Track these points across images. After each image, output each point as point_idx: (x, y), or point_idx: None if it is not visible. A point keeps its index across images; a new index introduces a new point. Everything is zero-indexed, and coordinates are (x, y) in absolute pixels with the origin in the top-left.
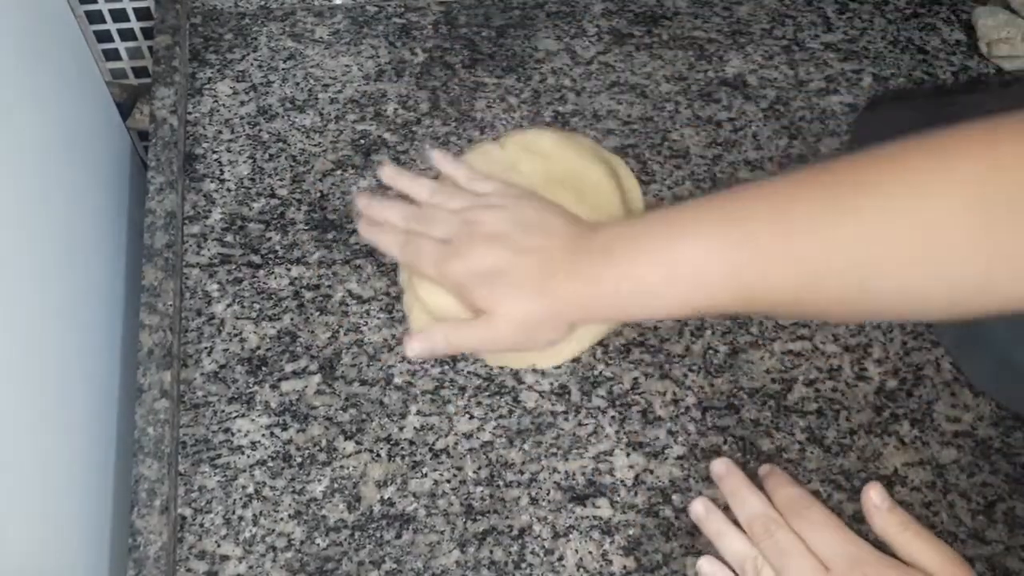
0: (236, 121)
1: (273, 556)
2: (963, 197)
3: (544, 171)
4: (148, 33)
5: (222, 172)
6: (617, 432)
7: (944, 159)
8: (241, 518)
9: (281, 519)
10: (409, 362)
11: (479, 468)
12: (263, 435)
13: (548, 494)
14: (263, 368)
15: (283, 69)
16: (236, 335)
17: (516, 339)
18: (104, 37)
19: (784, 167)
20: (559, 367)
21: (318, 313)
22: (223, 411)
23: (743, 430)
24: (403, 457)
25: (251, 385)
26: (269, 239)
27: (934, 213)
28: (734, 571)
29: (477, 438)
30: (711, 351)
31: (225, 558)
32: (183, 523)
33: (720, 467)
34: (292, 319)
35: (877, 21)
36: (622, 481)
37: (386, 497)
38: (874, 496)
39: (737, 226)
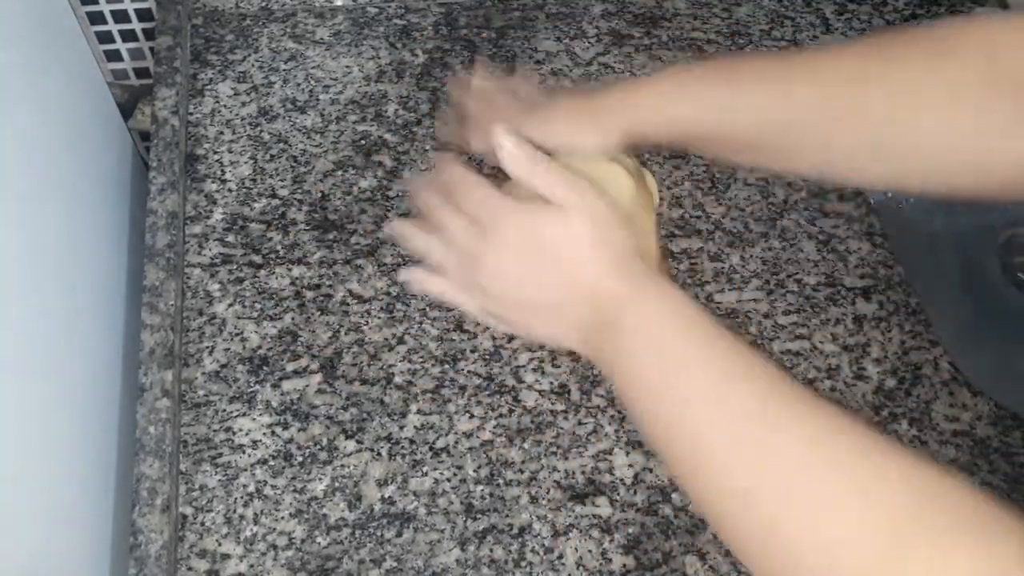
0: (237, 122)
1: (274, 555)
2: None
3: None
4: (149, 34)
5: (223, 172)
6: (617, 431)
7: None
8: (242, 517)
9: (282, 518)
10: (410, 361)
11: (479, 467)
12: (264, 434)
13: (548, 493)
14: (264, 367)
15: (284, 70)
16: (237, 334)
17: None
18: (106, 38)
19: None
20: (559, 367)
21: (319, 313)
22: (224, 410)
23: None
24: (403, 456)
25: (252, 384)
26: (270, 239)
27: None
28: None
29: (477, 437)
30: None
31: (226, 556)
32: (184, 522)
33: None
34: (293, 319)
35: (876, 22)
36: (621, 480)
37: (387, 496)
38: (501, 140)
39: None
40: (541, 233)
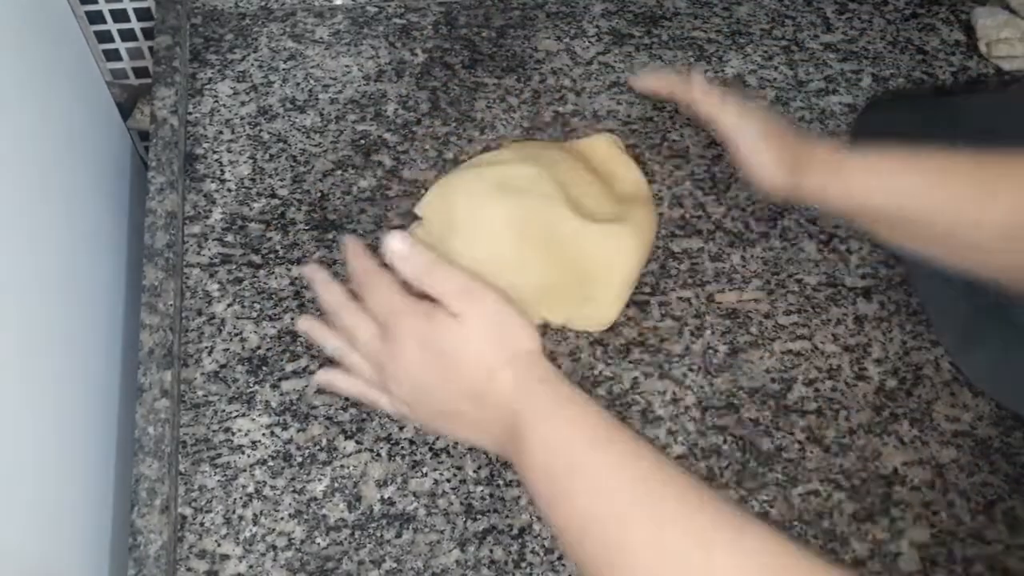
0: (236, 121)
1: (273, 555)
2: None
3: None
4: (149, 33)
5: (223, 172)
6: None
7: None
8: (241, 517)
9: (281, 518)
10: None
11: (479, 467)
12: (263, 434)
13: None
14: (263, 368)
15: (283, 69)
16: (236, 335)
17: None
18: (105, 37)
19: None
20: (559, 367)
21: (319, 313)
22: (223, 410)
23: (743, 429)
24: (403, 456)
25: (251, 385)
26: (269, 239)
27: None
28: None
29: None
30: (711, 351)
31: (225, 557)
32: (183, 522)
33: (307, 268)
34: (292, 319)
35: (876, 21)
36: None
37: (386, 496)
38: (393, 244)
39: None
40: (438, 340)
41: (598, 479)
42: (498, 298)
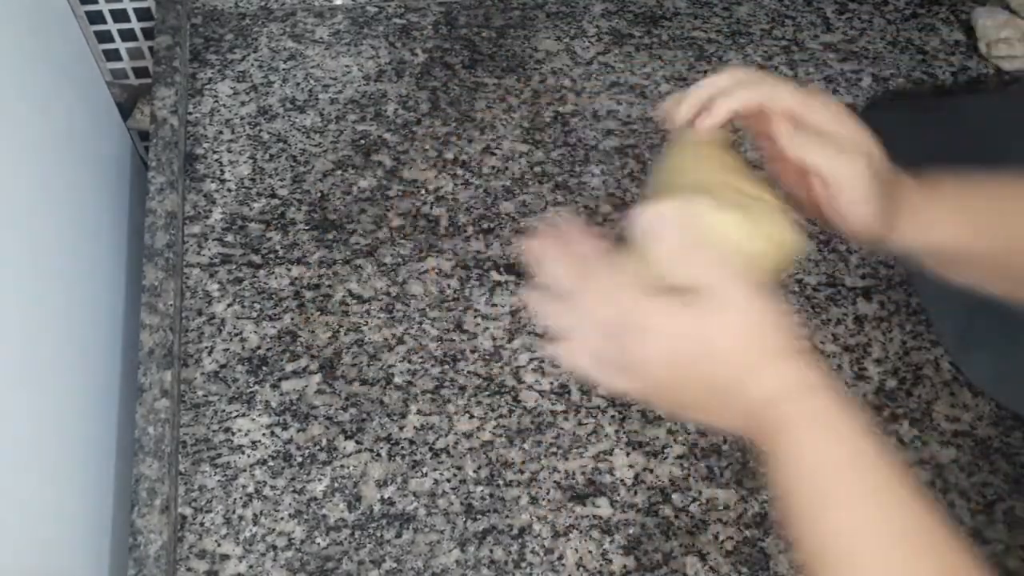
0: (236, 121)
1: (273, 555)
2: None
3: None
4: (149, 33)
5: (222, 172)
6: (617, 431)
7: None
8: (241, 517)
9: (281, 518)
10: (410, 361)
11: (479, 467)
12: (263, 434)
13: (548, 493)
14: (263, 368)
15: (283, 69)
16: (236, 335)
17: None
18: (105, 37)
19: None
20: (559, 367)
21: (318, 313)
22: (223, 410)
23: None
24: (403, 456)
25: (251, 385)
26: (269, 239)
27: None
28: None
29: (477, 437)
30: None
31: (225, 557)
32: (183, 522)
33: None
34: (292, 319)
35: (876, 21)
36: (622, 480)
37: (386, 496)
38: (652, 220)
39: None
40: (694, 330)
41: (850, 510)
42: (760, 288)
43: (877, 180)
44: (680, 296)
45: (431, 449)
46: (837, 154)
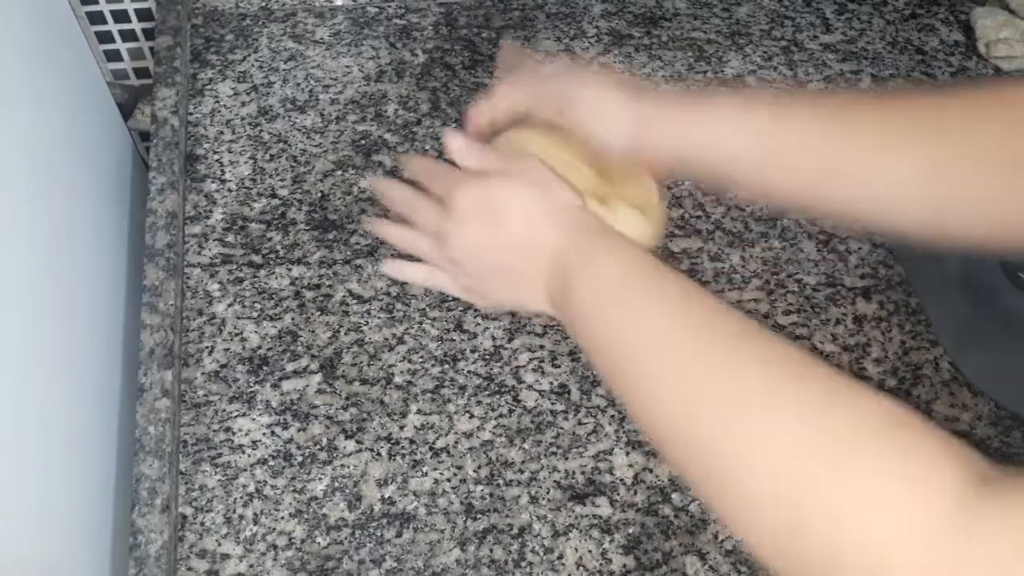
0: (237, 122)
1: (274, 555)
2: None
3: None
4: (149, 34)
5: (223, 172)
6: (617, 431)
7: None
8: (242, 517)
9: (282, 518)
10: (410, 361)
11: (479, 467)
12: (264, 434)
13: (548, 493)
14: (264, 367)
15: (284, 70)
16: (237, 334)
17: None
18: (105, 38)
19: None
20: (559, 367)
21: (319, 313)
22: (224, 410)
23: None
24: (403, 456)
25: (252, 384)
26: (270, 239)
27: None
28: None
29: (477, 437)
30: None
31: (226, 556)
32: (184, 522)
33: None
34: (293, 319)
35: (876, 22)
36: (621, 480)
37: (386, 496)
38: (453, 142)
39: None
40: (491, 196)
41: (647, 306)
42: (543, 164)
43: (621, 89)
44: (483, 172)
45: (431, 449)
46: (570, 70)
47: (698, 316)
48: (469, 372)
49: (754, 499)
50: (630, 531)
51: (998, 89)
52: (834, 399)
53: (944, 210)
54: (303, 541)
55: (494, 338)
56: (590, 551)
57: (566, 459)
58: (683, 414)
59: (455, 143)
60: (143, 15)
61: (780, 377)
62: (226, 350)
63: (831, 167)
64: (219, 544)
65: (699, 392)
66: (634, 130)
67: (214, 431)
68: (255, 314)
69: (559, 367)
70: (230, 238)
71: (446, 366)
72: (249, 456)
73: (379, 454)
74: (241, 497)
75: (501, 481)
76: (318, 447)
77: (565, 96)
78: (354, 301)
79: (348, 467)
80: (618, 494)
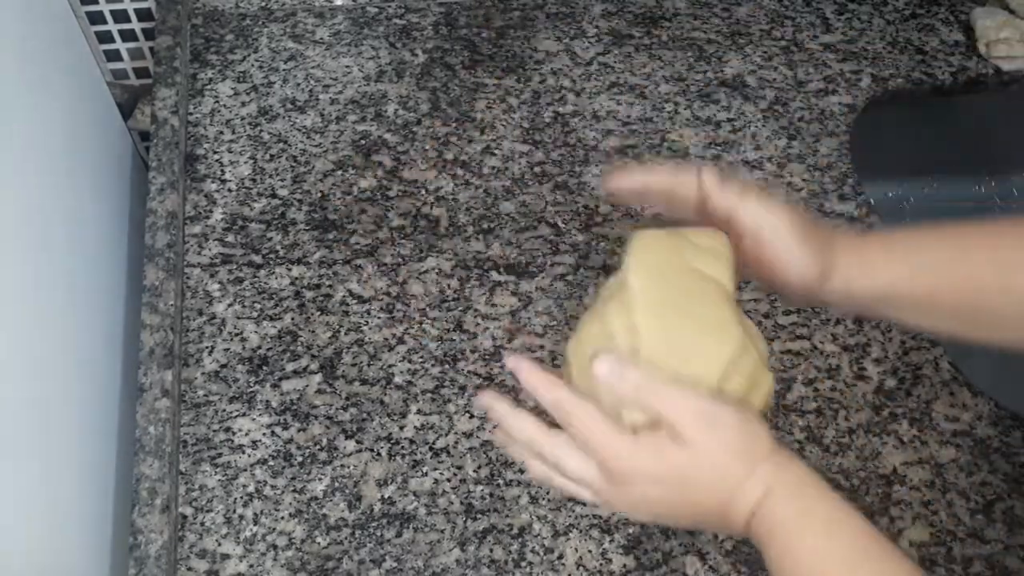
0: (237, 122)
1: (274, 555)
2: None
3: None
4: (149, 34)
5: (223, 172)
6: None
7: None
8: (242, 517)
9: (282, 518)
10: (410, 361)
11: (479, 467)
12: (264, 434)
13: (548, 493)
14: (264, 367)
15: (284, 70)
16: (237, 335)
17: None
18: (105, 38)
19: (783, 167)
20: (559, 367)
21: (319, 313)
22: (224, 410)
23: None
24: (403, 456)
25: (252, 384)
26: (270, 239)
27: None
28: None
29: (477, 437)
30: None
31: (226, 556)
32: (184, 522)
33: (485, 399)
34: (293, 319)
35: (876, 22)
36: None
37: (386, 496)
38: (601, 370)
39: None
40: (674, 473)
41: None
42: (734, 414)
43: (804, 225)
44: (656, 442)
45: (431, 449)
46: (759, 201)
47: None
48: (469, 372)
49: None
50: (630, 531)
51: None
52: None
53: None
54: (303, 541)
55: (494, 338)
56: (590, 551)
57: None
58: None
59: (602, 371)
60: (143, 15)
61: None
62: (226, 350)
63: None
64: (219, 544)
65: None
66: (816, 272)
67: (214, 431)
68: (255, 314)
69: (559, 367)
70: (230, 238)
71: (446, 366)
72: (249, 456)
73: (379, 454)
74: (241, 497)
75: (501, 481)
76: (318, 447)
77: (755, 227)
78: (354, 301)
79: (348, 467)
80: None
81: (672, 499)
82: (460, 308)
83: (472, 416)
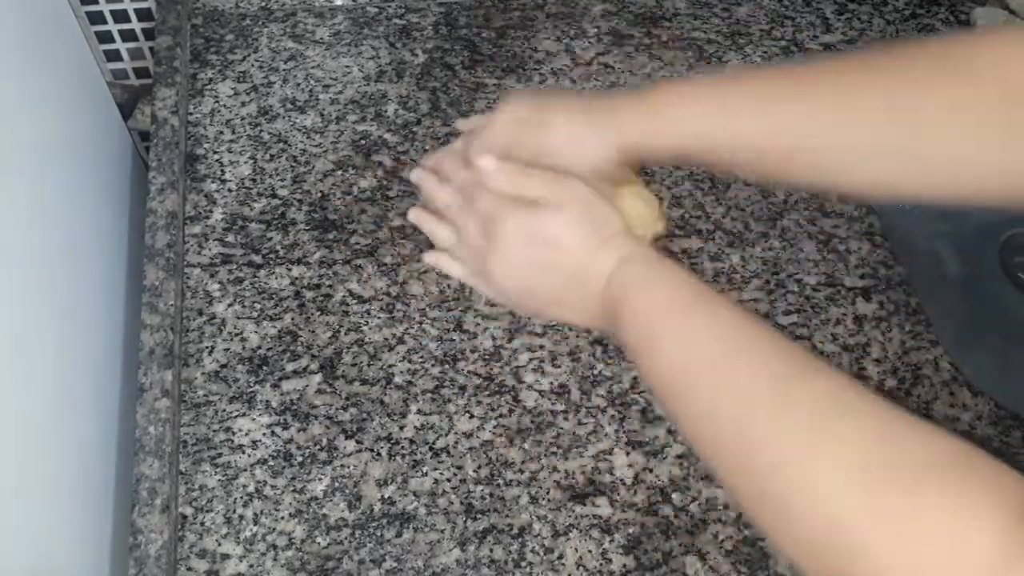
0: (237, 122)
1: (274, 555)
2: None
3: None
4: (149, 34)
5: (223, 172)
6: (617, 431)
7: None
8: (242, 517)
9: (282, 518)
10: (410, 361)
11: (479, 467)
12: (264, 434)
13: (548, 493)
14: (264, 367)
15: (284, 70)
16: (237, 335)
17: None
18: (105, 38)
19: None
20: (559, 367)
21: (319, 313)
22: (224, 410)
23: None
24: (403, 456)
25: (252, 384)
26: (270, 239)
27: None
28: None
29: (477, 437)
30: None
31: (226, 556)
32: (184, 522)
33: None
34: (293, 319)
35: (876, 22)
36: (621, 480)
37: (386, 496)
38: (483, 163)
39: None
40: (542, 229)
41: (686, 337)
42: (586, 185)
43: (583, 108)
44: (533, 202)
45: (431, 449)
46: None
47: (753, 345)
48: (469, 372)
49: (809, 526)
50: (630, 531)
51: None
52: (888, 430)
53: (900, 165)
54: (303, 541)
55: (494, 338)
56: (590, 551)
57: (566, 459)
58: (739, 446)
59: (487, 163)
60: (143, 15)
61: (832, 412)
62: (226, 350)
63: (798, 144)
64: (219, 544)
65: (756, 423)
66: (606, 142)
67: (214, 431)
68: (255, 314)
69: (559, 367)
70: (230, 238)
71: (446, 366)
72: (249, 456)
73: (379, 454)
74: (241, 497)
75: (501, 481)
76: (318, 447)
77: (536, 135)
78: (354, 301)
79: (348, 467)
80: (618, 494)
81: (540, 260)
82: (460, 308)
83: (472, 416)
